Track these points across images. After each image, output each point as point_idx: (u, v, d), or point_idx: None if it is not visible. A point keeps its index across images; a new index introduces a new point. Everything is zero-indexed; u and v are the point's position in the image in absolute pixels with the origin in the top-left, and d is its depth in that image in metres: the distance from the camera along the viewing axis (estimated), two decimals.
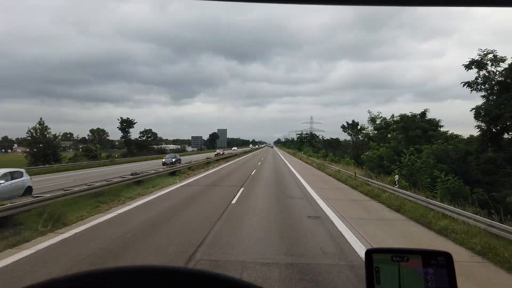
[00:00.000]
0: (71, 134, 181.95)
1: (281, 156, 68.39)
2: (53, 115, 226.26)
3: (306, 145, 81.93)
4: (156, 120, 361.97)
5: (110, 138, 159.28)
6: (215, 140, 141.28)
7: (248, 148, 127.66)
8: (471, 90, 18.49)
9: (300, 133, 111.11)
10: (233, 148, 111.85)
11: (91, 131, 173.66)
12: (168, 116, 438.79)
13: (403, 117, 28.97)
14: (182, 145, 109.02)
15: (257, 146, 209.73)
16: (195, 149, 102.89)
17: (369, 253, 1.08)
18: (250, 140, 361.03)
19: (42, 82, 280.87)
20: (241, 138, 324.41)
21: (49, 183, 21.30)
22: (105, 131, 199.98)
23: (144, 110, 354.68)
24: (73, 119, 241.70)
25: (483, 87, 18.41)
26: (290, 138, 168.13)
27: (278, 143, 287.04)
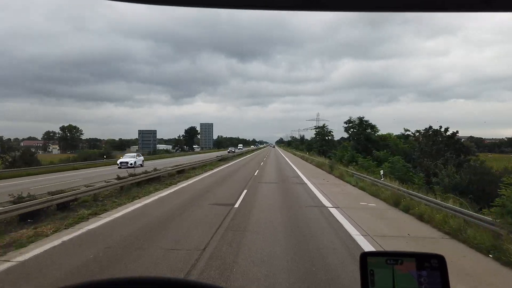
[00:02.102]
0: (54, 133, 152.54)
1: (312, 189, 24.24)
2: (54, 114, 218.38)
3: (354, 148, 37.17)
4: (157, 120, 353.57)
5: (84, 136, 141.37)
6: (193, 139, 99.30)
7: (228, 153, 69.91)
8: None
9: (322, 126, 67.55)
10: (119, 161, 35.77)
11: (62, 128, 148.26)
12: (169, 116, 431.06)
13: None
14: (104, 146, 67.87)
15: (253, 146, 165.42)
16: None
17: (363, 256, 1.07)
18: (250, 140, 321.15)
19: (40, 81, 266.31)
20: (240, 138, 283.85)
21: None
22: (78, 128, 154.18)
23: (145, 109, 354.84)
24: (75, 118, 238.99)
25: None
26: (299, 136, 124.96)
27: (280, 142, 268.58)
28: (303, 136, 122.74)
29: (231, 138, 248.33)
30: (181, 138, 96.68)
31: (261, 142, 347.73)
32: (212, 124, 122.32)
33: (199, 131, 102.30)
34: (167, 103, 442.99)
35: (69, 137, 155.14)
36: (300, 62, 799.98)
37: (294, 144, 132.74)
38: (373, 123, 36.39)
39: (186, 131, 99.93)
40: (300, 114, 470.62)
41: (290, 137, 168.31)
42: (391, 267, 1.06)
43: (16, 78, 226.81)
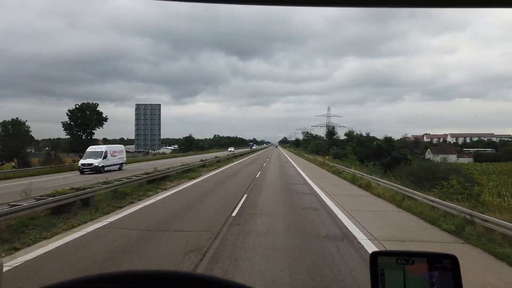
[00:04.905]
0: None
1: None
2: (54, 114, 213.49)
3: None
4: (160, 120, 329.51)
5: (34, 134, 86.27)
6: (90, 134, 42.72)
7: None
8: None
9: None
10: None
11: (3, 123, 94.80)
12: (171, 116, 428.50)
13: None
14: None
15: (231, 149, 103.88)
16: None
17: (374, 256, 1.03)
18: (250, 139, 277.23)
19: (39, 80, 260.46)
20: (239, 137, 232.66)
21: None
22: (25, 124, 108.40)
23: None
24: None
25: None
26: (327, 130, 67.81)
27: (284, 142, 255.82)
28: (333, 128, 65.39)
29: (229, 137, 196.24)
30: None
31: (262, 142, 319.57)
32: (159, 105, 66.28)
33: (106, 116, 44.98)
34: (168, 102, 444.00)
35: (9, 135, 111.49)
36: (302, 61, 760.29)
37: (312, 145, 75.73)
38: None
39: (71, 114, 43.28)
40: (302, 114, 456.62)
41: (303, 133, 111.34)
42: (402, 267, 1.00)
43: (14, 78, 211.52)
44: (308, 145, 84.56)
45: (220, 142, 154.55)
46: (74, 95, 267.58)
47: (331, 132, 63.70)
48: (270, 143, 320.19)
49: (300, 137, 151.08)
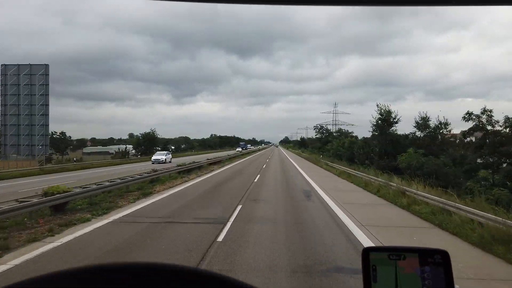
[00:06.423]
0: None
1: None
2: (54, 114, 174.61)
3: None
4: (160, 120, 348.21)
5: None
6: None
7: None
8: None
9: None
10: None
11: None
12: (172, 116, 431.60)
13: None
14: None
15: (163, 159, 70.43)
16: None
17: (366, 251, 1.07)
18: (251, 139, 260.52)
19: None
20: (236, 136, 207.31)
21: None
22: None
23: (147, 109, 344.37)
24: (75, 119, 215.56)
25: None
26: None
27: (285, 142, 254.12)
28: (388, 113, 33.84)
29: (220, 137, 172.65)
30: None
31: (261, 142, 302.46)
32: (45, 67, 36.67)
33: None
34: (168, 102, 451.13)
35: None
36: (303, 60, 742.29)
37: (339, 146, 45.41)
38: None
39: None
40: (303, 114, 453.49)
41: (315, 128, 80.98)
42: (393, 263, 1.03)
43: None
44: (328, 146, 53.49)
45: (208, 143, 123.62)
46: (74, 95, 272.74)
47: (385, 120, 32.40)
48: (271, 143, 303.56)
49: (305, 135, 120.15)
